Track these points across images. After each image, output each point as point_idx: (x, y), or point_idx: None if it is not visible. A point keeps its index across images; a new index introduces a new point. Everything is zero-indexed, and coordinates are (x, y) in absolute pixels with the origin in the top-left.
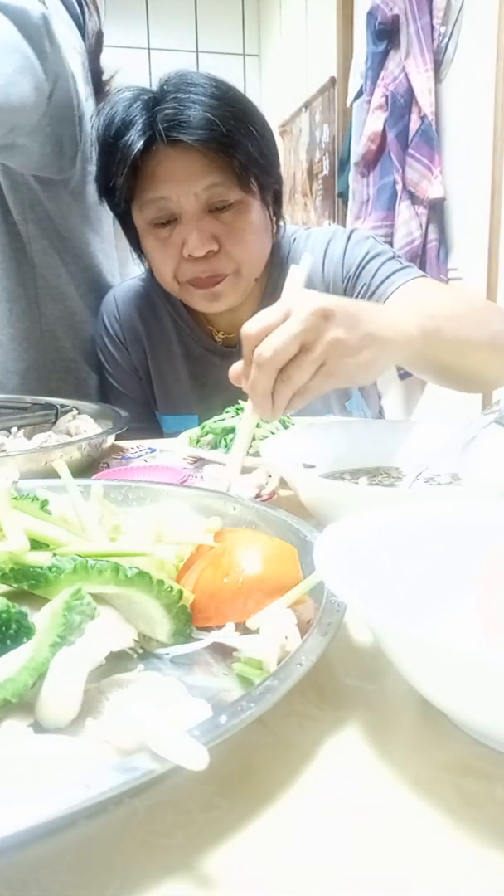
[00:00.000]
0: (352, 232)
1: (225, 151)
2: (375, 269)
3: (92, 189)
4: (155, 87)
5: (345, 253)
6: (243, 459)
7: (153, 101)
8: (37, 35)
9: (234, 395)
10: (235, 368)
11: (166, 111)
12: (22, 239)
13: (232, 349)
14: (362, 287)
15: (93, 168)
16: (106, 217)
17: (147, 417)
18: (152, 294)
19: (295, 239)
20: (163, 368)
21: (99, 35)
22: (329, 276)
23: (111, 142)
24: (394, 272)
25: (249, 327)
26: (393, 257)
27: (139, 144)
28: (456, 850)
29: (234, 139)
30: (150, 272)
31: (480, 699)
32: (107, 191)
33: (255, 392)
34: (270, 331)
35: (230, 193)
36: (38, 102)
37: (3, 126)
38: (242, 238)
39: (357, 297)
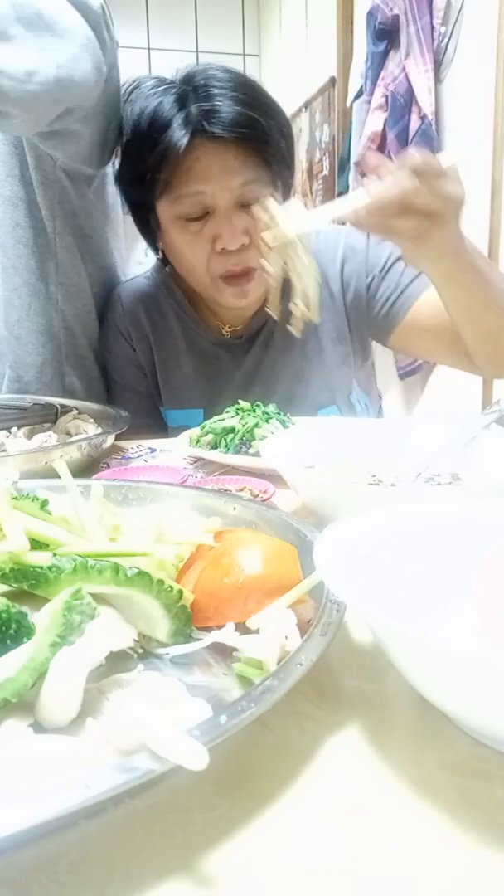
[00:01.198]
0: (390, 252)
1: (260, 148)
2: (402, 269)
3: (112, 189)
4: (178, 79)
5: (368, 252)
6: (326, 218)
7: (186, 96)
8: (97, 22)
9: (238, 388)
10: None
11: (204, 107)
12: (47, 234)
13: (238, 341)
14: (390, 286)
15: (111, 169)
16: (121, 217)
17: (151, 413)
18: (156, 291)
19: (317, 234)
20: (168, 363)
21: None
22: (350, 274)
23: (147, 135)
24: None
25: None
26: None
27: (184, 141)
28: (456, 850)
29: (268, 135)
30: (157, 270)
31: (480, 699)
32: (135, 183)
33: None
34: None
35: (262, 191)
36: (97, 83)
37: (65, 102)
38: None
39: (383, 296)
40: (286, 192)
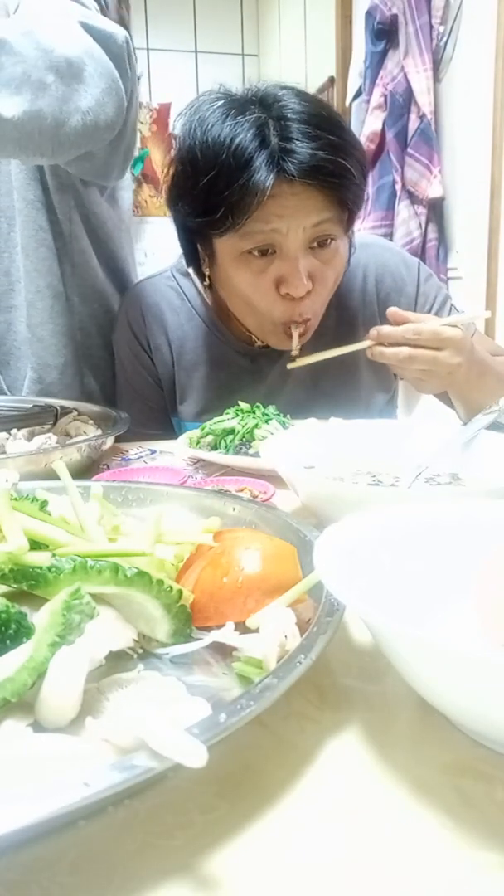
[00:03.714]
0: (419, 264)
1: (339, 189)
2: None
3: (126, 195)
4: (249, 98)
5: (418, 289)
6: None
7: (265, 127)
8: (121, 57)
9: (258, 399)
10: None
11: (285, 146)
12: (64, 237)
13: (265, 349)
14: None
15: (128, 176)
16: (132, 222)
17: (162, 424)
18: (178, 294)
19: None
20: (187, 374)
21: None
22: (387, 296)
23: (224, 170)
24: None
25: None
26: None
27: (269, 182)
28: (456, 851)
29: (348, 178)
30: (179, 271)
31: (480, 699)
32: (200, 213)
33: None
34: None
35: (334, 229)
36: (117, 121)
37: (90, 144)
38: (330, 278)
39: None
40: (351, 224)
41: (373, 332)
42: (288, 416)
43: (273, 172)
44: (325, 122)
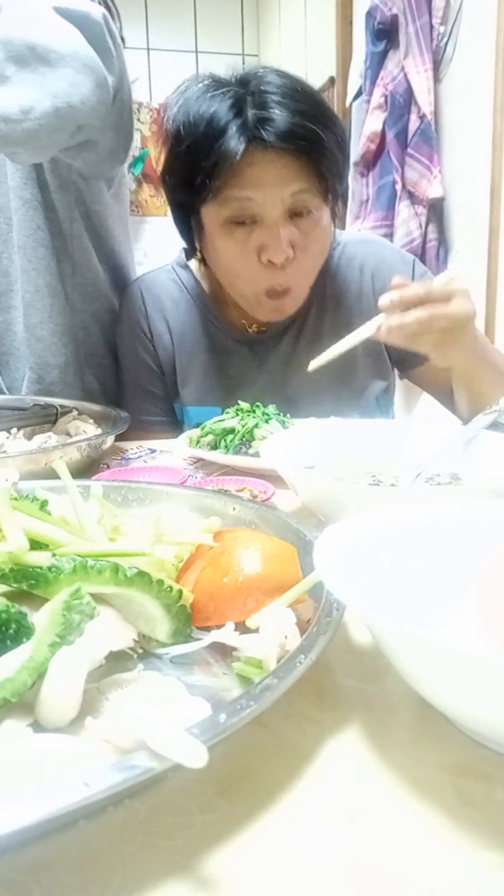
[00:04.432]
0: (414, 261)
1: (316, 158)
2: None
3: (126, 191)
4: (233, 79)
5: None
6: (341, 350)
7: (242, 100)
8: (99, 35)
9: (259, 387)
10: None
11: (261, 114)
12: (64, 236)
13: (262, 335)
14: None
15: (127, 172)
16: (130, 220)
17: (166, 411)
18: (178, 287)
19: (340, 245)
20: (188, 360)
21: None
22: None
23: (202, 140)
24: None
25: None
26: None
27: (240, 148)
28: (455, 851)
29: (324, 145)
30: (179, 265)
31: (480, 700)
32: (184, 185)
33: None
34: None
35: (312, 201)
36: (101, 98)
37: (68, 127)
38: (312, 249)
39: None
40: (335, 202)
41: (385, 301)
42: (288, 415)
43: (245, 138)
44: (300, 94)
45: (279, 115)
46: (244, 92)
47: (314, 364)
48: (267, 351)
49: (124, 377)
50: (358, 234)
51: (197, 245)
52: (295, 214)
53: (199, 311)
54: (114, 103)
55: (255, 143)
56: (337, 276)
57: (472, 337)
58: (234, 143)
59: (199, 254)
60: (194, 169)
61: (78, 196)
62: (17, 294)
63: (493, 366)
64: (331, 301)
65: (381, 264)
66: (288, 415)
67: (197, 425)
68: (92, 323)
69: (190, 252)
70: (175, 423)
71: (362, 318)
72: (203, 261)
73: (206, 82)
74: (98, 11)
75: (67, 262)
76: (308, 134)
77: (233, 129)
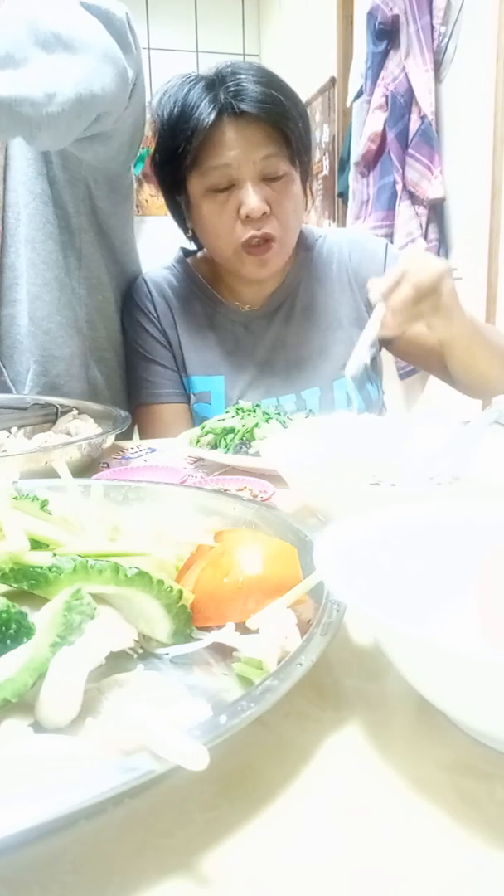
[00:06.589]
0: (387, 245)
1: (281, 125)
2: None
3: (132, 190)
4: (207, 74)
5: (385, 258)
6: (369, 345)
7: (213, 82)
8: (122, 31)
9: (258, 359)
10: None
11: (230, 87)
12: (71, 230)
13: (255, 314)
14: None
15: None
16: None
17: (173, 383)
18: (179, 278)
19: (322, 237)
20: (191, 335)
21: None
22: (358, 268)
23: (178, 117)
24: None
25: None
26: None
27: (212, 116)
28: (455, 850)
29: (288, 114)
30: (179, 261)
31: (480, 699)
32: (168, 161)
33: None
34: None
35: (281, 165)
36: (121, 89)
37: (89, 115)
38: (287, 206)
39: None
40: (304, 176)
41: (375, 293)
42: (288, 415)
43: (217, 107)
44: (266, 73)
45: (248, 87)
46: (215, 77)
47: (350, 370)
48: (262, 329)
49: (133, 357)
50: (337, 229)
51: (188, 225)
52: (268, 178)
53: (197, 296)
54: (130, 98)
55: (225, 113)
56: (320, 259)
57: (459, 310)
58: (206, 111)
59: (190, 232)
60: (174, 142)
61: (86, 191)
62: (21, 287)
63: (485, 341)
64: (315, 282)
65: (355, 244)
66: (288, 415)
67: (203, 394)
68: (96, 316)
69: (183, 231)
70: (184, 394)
71: (343, 289)
72: (194, 237)
73: (187, 79)
74: (122, 9)
75: (74, 256)
76: (274, 102)
77: (205, 101)
